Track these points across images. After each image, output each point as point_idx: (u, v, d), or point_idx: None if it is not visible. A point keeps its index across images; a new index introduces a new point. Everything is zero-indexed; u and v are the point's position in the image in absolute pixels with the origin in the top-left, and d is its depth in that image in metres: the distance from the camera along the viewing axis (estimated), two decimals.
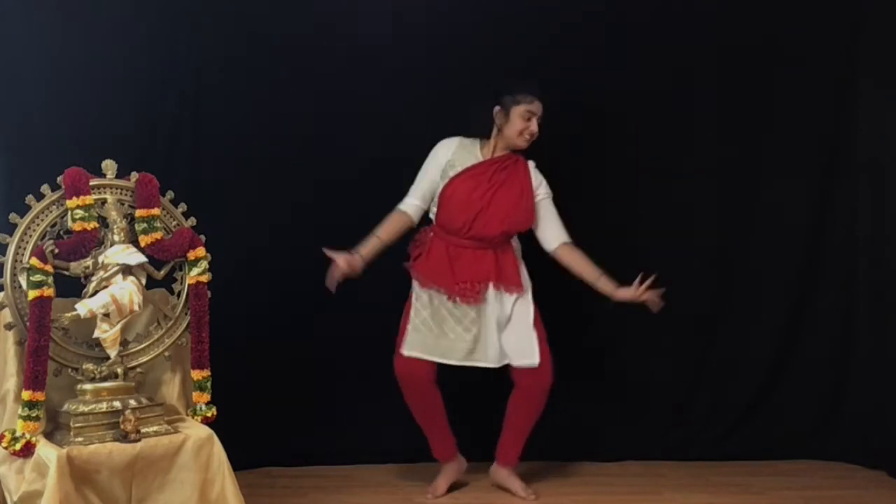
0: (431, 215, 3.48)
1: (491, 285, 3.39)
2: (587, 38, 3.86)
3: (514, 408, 3.49)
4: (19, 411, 2.63)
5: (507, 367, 3.45)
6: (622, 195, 3.79)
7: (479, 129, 3.44)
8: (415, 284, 3.46)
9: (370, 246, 3.35)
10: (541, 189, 3.47)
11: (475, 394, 3.67)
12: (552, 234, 3.46)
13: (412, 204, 3.44)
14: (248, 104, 3.71)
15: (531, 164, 3.48)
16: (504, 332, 3.42)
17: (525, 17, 3.82)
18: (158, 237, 2.88)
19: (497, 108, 3.39)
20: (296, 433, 3.80)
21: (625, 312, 3.94)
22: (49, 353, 2.67)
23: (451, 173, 3.39)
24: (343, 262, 3.27)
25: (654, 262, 3.95)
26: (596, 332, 3.90)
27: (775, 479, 3.77)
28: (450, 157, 3.42)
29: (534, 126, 3.36)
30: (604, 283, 3.40)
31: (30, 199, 2.77)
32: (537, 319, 3.45)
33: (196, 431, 2.80)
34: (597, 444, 3.98)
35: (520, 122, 3.36)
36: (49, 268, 2.67)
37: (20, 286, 2.70)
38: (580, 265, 3.43)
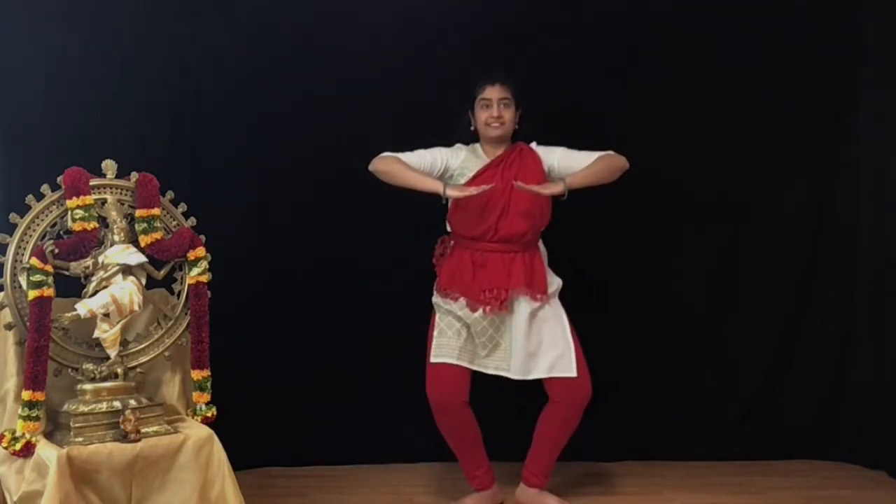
0: (448, 226, 3.41)
1: (519, 291, 3.25)
2: (587, 37, 3.85)
3: (548, 423, 3.33)
4: (19, 411, 2.64)
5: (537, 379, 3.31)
6: (621, 196, 3.78)
7: (468, 136, 3.40)
8: (435, 300, 3.35)
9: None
10: (552, 158, 3.34)
11: (487, 394, 3.66)
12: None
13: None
14: (248, 104, 3.71)
15: (533, 145, 3.39)
16: (533, 342, 3.27)
17: (526, 16, 3.83)
18: (158, 237, 2.89)
19: (469, 112, 3.39)
20: (296, 433, 3.81)
21: (626, 313, 3.98)
22: (49, 353, 2.67)
23: (462, 181, 3.29)
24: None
25: (653, 262, 3.99)
26: (596, 333, 3.88)
27: (775, 479, 3.77)
28: (458, 164, 3.34)
29: (495, 111, 3.29)
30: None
31: (30, 199, 2.77)
32: (572, 328, 3.33)
33: (196, 431, 2.81)
34: (597, 444, 3.97)
35: (482, 113, 3.33)
36: (49, 268, 2.67)
37: (20, 286, 2.70)
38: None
